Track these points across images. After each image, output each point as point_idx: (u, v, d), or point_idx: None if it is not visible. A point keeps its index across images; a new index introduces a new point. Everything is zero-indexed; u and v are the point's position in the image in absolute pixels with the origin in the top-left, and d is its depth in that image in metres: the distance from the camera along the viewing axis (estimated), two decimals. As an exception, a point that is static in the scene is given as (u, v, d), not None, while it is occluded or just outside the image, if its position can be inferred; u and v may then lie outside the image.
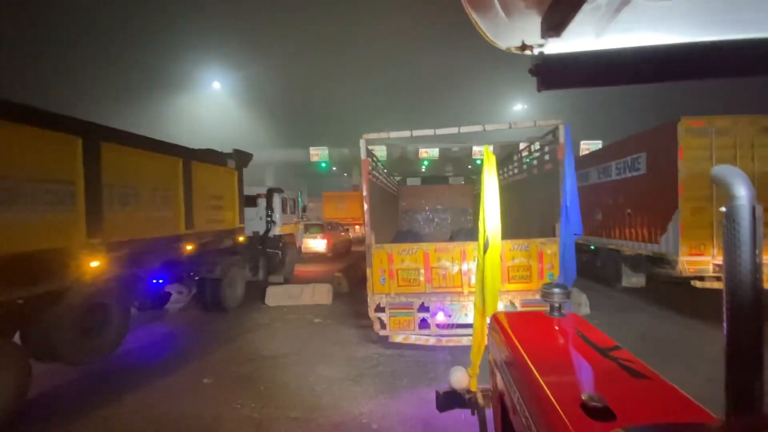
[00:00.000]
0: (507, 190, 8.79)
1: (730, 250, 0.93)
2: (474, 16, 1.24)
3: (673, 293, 7.76)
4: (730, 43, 1.23)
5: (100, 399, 4.18)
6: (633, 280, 8.46)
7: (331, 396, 4.09)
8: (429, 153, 28.13)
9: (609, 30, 1.25)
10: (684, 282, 6.83)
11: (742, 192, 0.94)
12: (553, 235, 4.74)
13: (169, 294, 7.81)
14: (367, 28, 36.93)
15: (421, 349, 5.11)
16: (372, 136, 4.98)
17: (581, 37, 1.30)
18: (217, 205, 8.27)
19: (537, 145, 5.86)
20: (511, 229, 4.16)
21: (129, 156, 5.90)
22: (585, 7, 1.10)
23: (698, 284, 6.59)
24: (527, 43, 1.33)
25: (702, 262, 6.58)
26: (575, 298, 6.54)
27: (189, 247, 7.25)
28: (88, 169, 5.18)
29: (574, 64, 1.35)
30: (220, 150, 8.71)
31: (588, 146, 22.36)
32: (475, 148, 26.45)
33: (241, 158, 9.05)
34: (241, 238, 9.03)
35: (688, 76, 1.38)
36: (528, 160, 6.61)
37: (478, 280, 2.89)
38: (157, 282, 7.23)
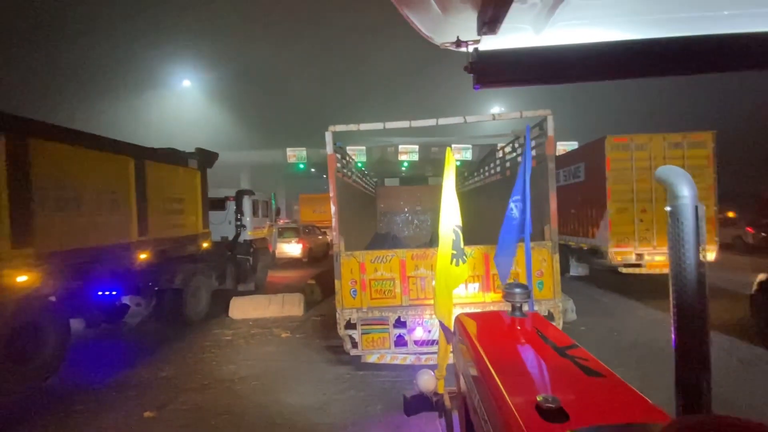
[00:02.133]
0: (488, 191, 8.44)
1: (676, 248, 0.97)
2: (406, 11, 1.22)
3: (606, 278, 9.57)
4: (667, 41, 1.25)
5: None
6: (579, 269, 10.06)
7: (294, 431, 3.54)
8: (409, 155, 27.83)
9: (548, 27, 1.25)
10: (614, 269, 8.38)
11: (685, 192, 0.96)
12: (542, 238, 4.33)
13: (128, 306, 7.10)
14: (346, 24, 36.40)
15: (399, 368, 4.62)
16: (339, 127, 4.43)
17: (519, 33, 1.29)
18: (176, 209, 7.58)
19: (521, 140, 5.47)
20: (495, 233, 3.77)
21: (66, 154, 5.20)
22: (519, 4, 1.10)
23: (623, 270, 8.19)
24: (462, 39, 1.30)
25: (626, 252, 8.10)
26: (562, 304, 6.22)
27: (143, 256, 6.56)
28: (13, 169, 4.48)
29: (512, 61, 1.33)
30: (182, 149, 8.02)
31: (565, 147, 22.50)
32: (455, 146, 26.28)
33: (205, 158, 8.37)
34: (205, 245, 8.35)
35: (627, 74, 1.42)
36: (512, 156, 6.20)
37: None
38: (110, 294, 6.53)
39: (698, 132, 8.08)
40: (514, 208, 3.57)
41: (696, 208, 0.96)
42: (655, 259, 8.05)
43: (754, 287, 5.53)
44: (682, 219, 0.96)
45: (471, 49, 1.31)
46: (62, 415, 3.99)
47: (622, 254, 8.09)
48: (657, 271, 8.04)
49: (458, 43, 1.31)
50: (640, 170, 7.98)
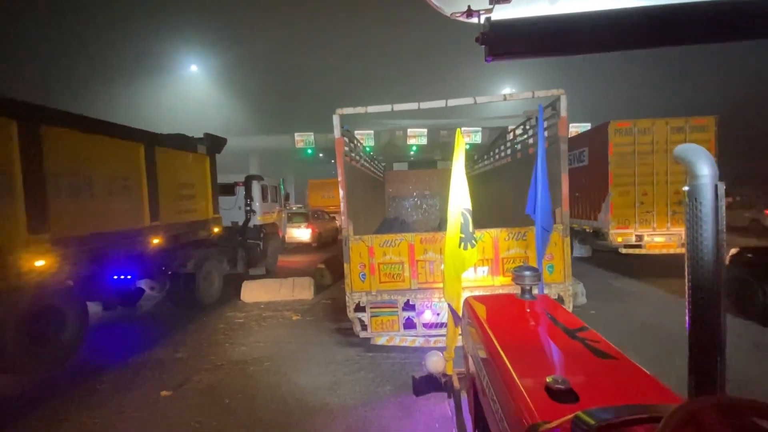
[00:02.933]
0: (498, 175, 8.34)
1: (693, 229, 0.93)
2: None
3: (607, 258, 9.87)
4: (685, 6, 1.19)
5: (45, 418, 3.68)
6: (582, 251, 10.22)
7: (305, 410, 3.62)
8: (417, 139, 27.51)
9: None
10: (614, 250, 8.67)
11: (705, 170, 0.92)
12: (553, 221, 4.28)
13: (143, 290, 7.29)
14: (355, 4, 35.62)
15: (408, 350, 4.68)
16: (347, 110, 4.36)
17: (533, 2, 1.24)
18: (187, 195, 7.65)
19: (533, 121, 5.35)
20: (505, 217, 3.75)
21: (77, 141, 5.25)
22: None
23: (623, 251, 8.45)
24: (474, 8, 1.25)
25: (626, 234, 8.37)
26: (572, 287, 6.20)
27: (156, 241, 6.67)
28: (26, 156, 4.54)
29: (526, 31, 1.28)
30: (191, 135, 8.04)
31: (577, 129, 22.02)
32: (465, 129, 25.90)
33: (214, 143, 8.38)
34: (216, 229, 8.45)
35: (644, 43, 1.36)
36: (523, 138, 6.08)
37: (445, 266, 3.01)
38: (125, 278, 6.69)
39: (700, 117, 8.22)
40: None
41: (716, 187, 0.92)
42: (655, 240, 8.28)
43: (727, 260, 5.72)
44: (700, 199, 0.92)
45: (483, 19, 1.26)
46: (84, 393, 4.14)
47: (622, 236, 8.36)
48: (656, 251, 8.34)
49: (469, 12, 1.26)
50: (642, 154, 8.19)
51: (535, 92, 4.21)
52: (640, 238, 8.30)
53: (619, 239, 8.38)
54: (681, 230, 8.04)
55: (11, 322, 4.31)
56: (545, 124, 4.28)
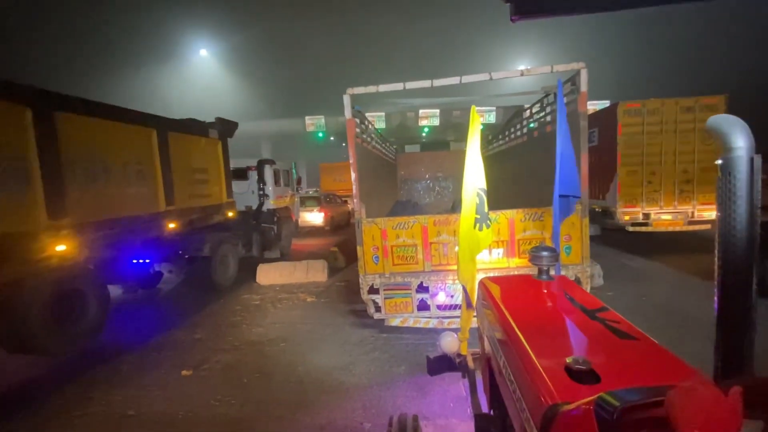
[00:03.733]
0: (514, 154, 8.15)
1: (725, 205, 0.89)
2: None
3: (616, 237, 9.68)
4: None
5: (72, 395, 3.83)
6: (591, 229, 10.43)
7: (320, 389, 3.68)
8: (429, 120, 27.04)
9: None
10: (622, 228, 8.74)
11: (740, 142, 0.87)
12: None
13: (161, 273, 7.46)
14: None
15: (422, 331, 4.70)
16: (358, 90, 4.26)
17: None
18: (200, 179, 7.71)
19: (551, 98, 5.16)
20: (522, 197, 3.65)
21: (91, 127, 5.28)
22: None
23: (631, 228, 8.60)
24: None
25: (634, 213, 8.51)
26: (590, 269, 6.12)
27: (172, 225, 6.77)
28: (42, 142, 4.59)
29: None
30: (202, 120, 8.04)
31: (595, 106, 21.33)
32: (478, 109, 25.30)
33: (225, 127, 8.38)
34: (230, 214, 8.54)
35: None
36: (540, 115, 5.88)
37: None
38: (143, 262, 6.85)
39: (710, 96, 8.20)
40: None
41: (752, 160, 0.86)
42: (661, 218, 8.47)
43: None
44: (735, 173, 0.87)
45: None
46: (109, 373, 4.29)
47: (629, 214, 8.52)
48: (663, 229, 8.52)
49: None
50: (651, 134, 8.26)
51: (553, 66, 4.03)
52: (647, 216, 8.47)
53: (627, 218, 8.49)
54: (688, 208, 8.33)
55: (37, 305, 4.45)
56: (564, 100, 4.11)
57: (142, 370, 4.31)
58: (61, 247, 4.76)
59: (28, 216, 4.46)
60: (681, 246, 8.85)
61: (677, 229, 8.46)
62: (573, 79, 4.15)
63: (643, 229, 8.54)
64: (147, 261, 6.87)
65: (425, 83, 4.13)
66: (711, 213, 8.16)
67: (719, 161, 0.90)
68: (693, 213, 8.36)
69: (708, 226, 8.37)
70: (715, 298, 0.93)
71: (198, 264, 7.25)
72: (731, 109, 7.82)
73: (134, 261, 6.61)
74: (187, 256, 7.21)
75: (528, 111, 6.74)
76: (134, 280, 7.02)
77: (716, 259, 0.92)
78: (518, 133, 7.86)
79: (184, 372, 4.16)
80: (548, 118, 5.45)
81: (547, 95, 5.30)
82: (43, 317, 4.53)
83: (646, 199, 8.44)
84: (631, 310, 4.96)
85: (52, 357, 4.65)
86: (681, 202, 8.32)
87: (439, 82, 4.12)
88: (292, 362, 4.29)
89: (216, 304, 6.68)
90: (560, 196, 3.34)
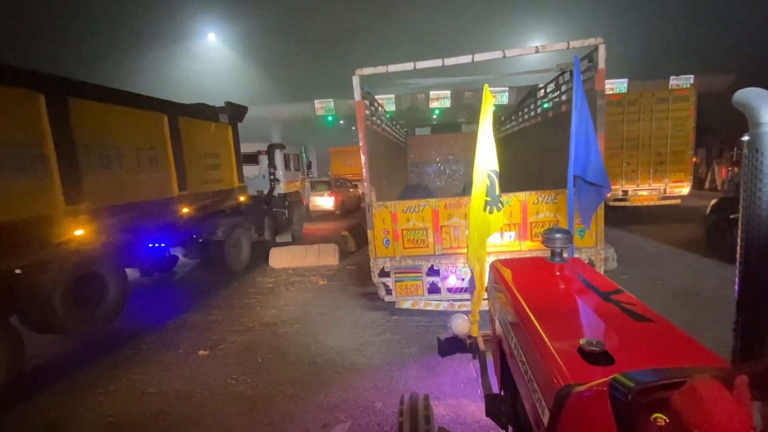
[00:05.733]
0: (529, 135, 7.97)
1: (751, 183, 0.84)
2: None
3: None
4: None
5: (95, 374, 4.00)
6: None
7: (333, 369, 3.76)
8: (440, 101, 26.54)
9: None
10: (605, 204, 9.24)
11: None
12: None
13: (176, 257, 7.62)
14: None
15: (432, 313, 4.73)
16: (367, 70, 4.18)
17: None
18: (212, 164, 7.75)
19: (567, 76, 5.00)
20: (536, 179, 3.58)
21: (103, 113, 5.33)
22: None
23: (611, 203, 9.69)
24: None
25: (614, 190, 9.66)
26: (604, 252, 6.05)
27: (185, 210, 6.86)
28: (57, 128, 4.66)
29: None
30: (211, 104, 8.04)
31: (613, 85, 20.63)
32: (491, 89, 24.76)
33: (235, 112, 8.36)
34: (242, 198, 8.61)
35: None
36: (555, 94, 5.71)
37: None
38: (159, 246, 6.99)
39: (682, 88, 9.86)
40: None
41: None
42: (638, 194, 9.87)
43: (708, 210, 6.96)
44: (762, 149, 0.81)
45: None
46: (130, 352, 4.45)
47: (612, 191, 9.35)
48: (639, 203, 10.02)
49: None
50: (629, 122, 9.61)
51: (570, 43, 3.89)
52: (626, 192, 9.84)
53: (609, 194, 9.75)
54: (661, 185, 9.76)
55: (58, 287, 4.60)
56: (582, 77, 3.98)
57: (161, 349, 4.45)
58: (79, 232, 4.87)
59: (46, 201, 4.55)
60: (661, 217, 10.53)
61: (651, 203, 9.93)
62: (590, 55, 4.00)
63: (623, 203, 9.95)
64: (162, 245, 7.01)
65: (436, 62, 4.02)
66: (680, 189, 9.75)
67: (745, 137, 0.85)
68: (665, 189, 9.74)
69: (678, 201, 9.93)
70: (736, 279, 0.90)
71: (212, 248, 7.38)
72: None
73: (150, 245, 6.74)
74: (201, 240, 7.34)
75: (542, 90, 6.56)
76: (150, 264, 7.17)
77: (739, 240, 0.89)
78: (532, 113, 7.67)
79: (201, 352, 4.29)
80: (563, 97, 5.29)
81: (562, 73, 5.13)
82: (66, 299, 4.67)
83: (625, 178, 9.76)
84: (644, 292, 4.91)
85: (75, 337, 4.82)
86: (655, 180, 9.70)
87: (450, 61, 4.01)
88: (305, 343, 4.38)
89: (230, 286, 6.81)
90: (589, 183, 3.27)
